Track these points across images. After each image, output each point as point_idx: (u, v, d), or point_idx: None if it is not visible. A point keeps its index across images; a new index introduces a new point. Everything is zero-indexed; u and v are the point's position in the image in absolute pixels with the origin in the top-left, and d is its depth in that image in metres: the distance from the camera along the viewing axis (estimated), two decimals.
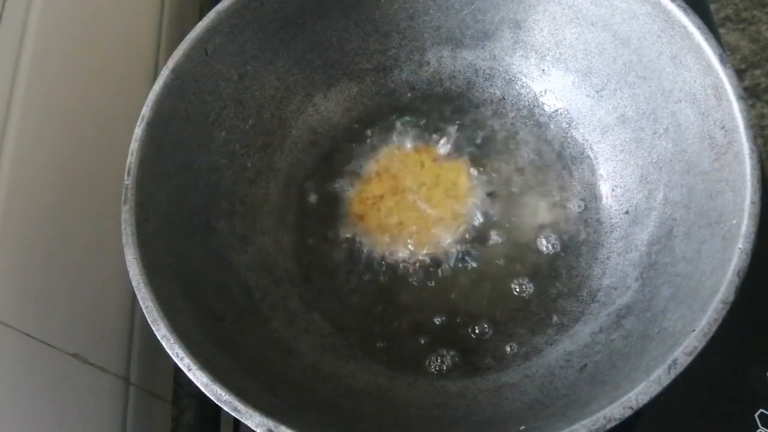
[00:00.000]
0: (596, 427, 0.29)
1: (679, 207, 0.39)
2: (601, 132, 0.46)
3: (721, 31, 0.56)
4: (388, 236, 0.45)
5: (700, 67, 0.37)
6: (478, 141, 0.48)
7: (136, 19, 0.57)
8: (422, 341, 0.42)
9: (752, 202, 0.32)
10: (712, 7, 0.57)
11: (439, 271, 0.44)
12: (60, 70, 0.45)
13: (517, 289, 0.43)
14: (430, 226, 0.45)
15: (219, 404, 0.31)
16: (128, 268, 0.35)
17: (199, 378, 0.32)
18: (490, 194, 0.46)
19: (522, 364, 0.40)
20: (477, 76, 0.50)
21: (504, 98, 0.49)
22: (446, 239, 0.45)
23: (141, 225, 0.36)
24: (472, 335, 0.42)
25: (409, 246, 0.45)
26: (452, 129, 0.49)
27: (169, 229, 0.39)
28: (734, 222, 0.32)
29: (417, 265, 0.44)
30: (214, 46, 0.42)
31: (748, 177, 0.33)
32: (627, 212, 0.43)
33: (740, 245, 0.31)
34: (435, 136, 0.48)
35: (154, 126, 0.39)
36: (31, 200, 0.40)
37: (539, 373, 0.40)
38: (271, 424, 0.30)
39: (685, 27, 0.37)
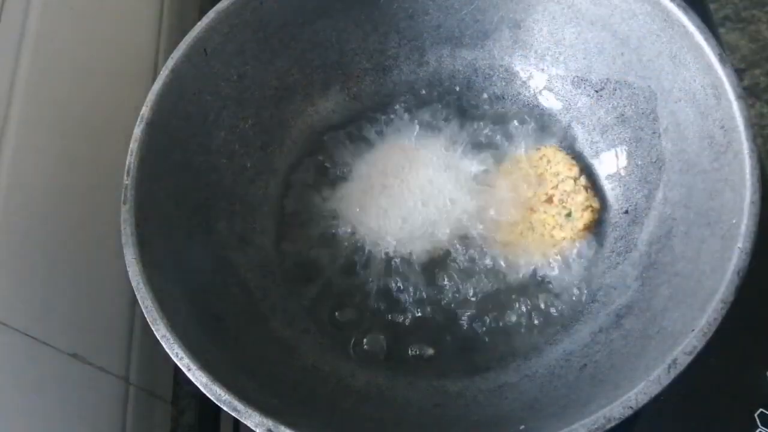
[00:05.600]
0: (596, 426, 0.29)
1: (679, 206, 0.39)
2: (600, 131, 0.46)
3: (721, 30, 0.56)
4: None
5: (700, 67, 0.37)
6: (478, 140, 0.48)
7: (136, 19, 0.57)
8: (422, 341, 0.42)
9: (752, 202, 0.32)
10: (712, 6, 0.57)
11: (439, 271, 0.44)
12: (60, 70, 0.45)
13: (517, 289, 0.43)
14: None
15: (219, 404, 0.31)
16: (128, 268, 0.35)
17: (198, 378, 0.32)
18: (489, 193, 0.46)
19: (522, 364, 0.40)
20: (476, 76, 0.50)
21: (503, 98, 0.49)
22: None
23: (141, 225, 0.36)
24: (472, 335, 0.42)
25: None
26: (451, 128, 0.49)
27: (169, 229, 0.39)
28: (734, 221, 0.32)
29: (417, 264, 0.44)
30: (214, 46, 0.42)
31: (748, 176, 0.33)
32: (627, 212, 0.43)
33: (740, 245, 0.31)
34: (434, 136, 0.48)
35: (153, 126, 0.39)
36: (31, 200, 0.40)
37: (539, 373, 0.40)
38: (270, 424, 0.30)
39: (684, 26, 0.37)
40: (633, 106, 0.43)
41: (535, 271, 0.43)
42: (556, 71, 0.47)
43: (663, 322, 0.34)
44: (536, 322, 0.42)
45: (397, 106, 0.50)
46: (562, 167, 0.45)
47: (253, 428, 0.31)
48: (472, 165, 0.47)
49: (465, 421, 0.38)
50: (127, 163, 0.38)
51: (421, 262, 0.44)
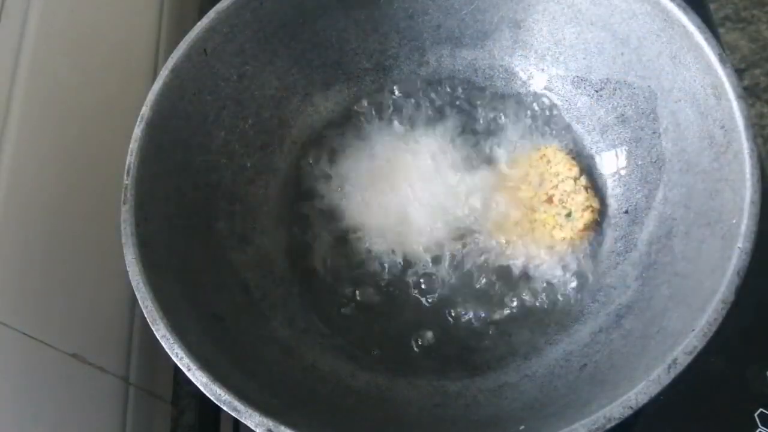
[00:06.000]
0: (596, 426, 0.29)
1: (679, 206, 0.39)
2: (600, 131, 0.46)
3: (721, 30, 0.56)
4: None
5: (700, 67, 0.37)
6: (478, 140, 0.48)
7: (136, 19, 0.57)
8: (422, 341, 0.42)
9: (752, 202, 0.32)
10: (712, 6, 0.57)
11: (439, 271, 0.44)
12: (60, 70, 0.45)
13: (516, 289, 0.43)
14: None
15: (218, 404, 0.31)
16: (128, 268, 0.35)
17: (198, 378, 0.32)
18: (488, 193, 0.46)
19: (522, 364, 0.40)
20: (476, 76, 0.50)
21: (503, 98, 0.49)
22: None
23: (141, 225, 0.36)
24: (472, 335, 0.42)
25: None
26: (451, 128, 0.49)
27: (169, 229, 0.39)
28: (734, 221, 0.32)
29: (417, 264, 0.44)
30: (214, 46, 0.42)
31: (748, 176, 0.33)
32: (627, 212, 0.43)
33: (740, 244, 0.31)
34: (434, 135, 0.48)
35: (153, 126, 0.39)
36: (31, 200, 0.40)
37: (539, 372, 0.40)
38: (270, 424, 0.30)
39: (684, 26, 0.37)
40: (633, 106, 0.43)
41: (534, 271, 0.43)
42: (556, 71, 0.47)
43: (663, 322, 0.34)
44: (536, 322, 0.42)
45: (397, 106, 0.50)
46: (562, 167, 0.45)
47: (253, 428, 0.31)
48: (472, 165, 0.47)
49: (465, 421, 0.38)
50: (127, 163, 0.38)
51: (421, 261, 0.44)
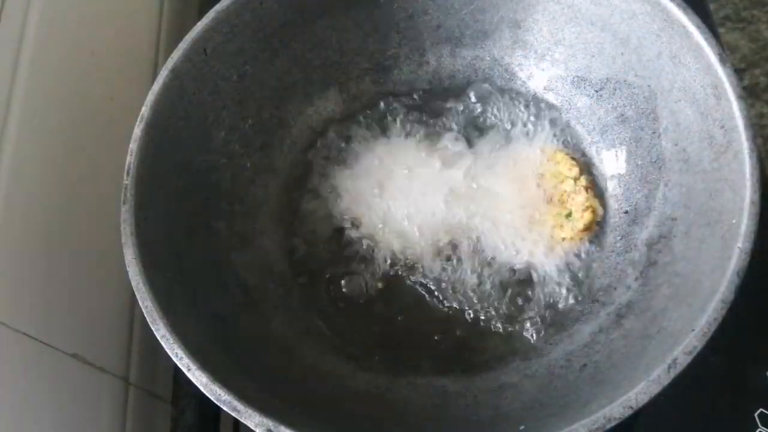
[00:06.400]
0: (596, 426, 0.29)
1: (679, 206, 0.39)
2: (600, 131, 0.46)
3: (721, 30, 0.56)
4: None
5: (700, 67, 0.37)
6: (477, 140, 0.48)
7: (136, 19, 0.57)
8: (422, 340, 0.42)
9: (752, 202, 0.32)
10: (712, 6, 0.57)
11: (439, 271, 0.44)
12: (59, 70, 0.45)
13: (517, 289, 0.43)
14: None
15: (219, 404, 0.31)
16: (128, 268, 0.35)
17: (198, 378, 0.32)
18: (488, 193, 0.46)
19: (522, 364, 0.40)
20: (476, 76, 0.50)
21: (503, 98, 0.49)
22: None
23: (141, 225, 0.36)
24: (472, 334, 0.42)
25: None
26: (451, 128, 0.49)
27: (169, 229, 0.39)
28: (734, 221, 0.32)
29: (416, 264, 0.44)
30: (214, 46, 0.42)
31: (748, 176, 0.33)
32: (627, 212, 0.43)
33: (740, 244, 0.31)
34: (434, 135, 0.48)
35: (153, 126, 0.39)
36: (31, 200, 0.40)
37: (539, 373, 0.40)
38: (270, 424, 0.30)
39: (684, 26, 0.37)
40: (633, 106, 0.43)
41: (534, 271, 0.43)
42: (556, 71, 0.47)
43: (663, 322, 0.34)
44: (536, 322, 0.42)
45: (396, 106, 0.50)
46: (563, 167, 0.45)
47: (253, 428, 0.31)
48: (472, 165, 0.47)
49: (465, 421, 0.38)
50: (127, 163, 0.38)
51: (420, 261, 0.44)
